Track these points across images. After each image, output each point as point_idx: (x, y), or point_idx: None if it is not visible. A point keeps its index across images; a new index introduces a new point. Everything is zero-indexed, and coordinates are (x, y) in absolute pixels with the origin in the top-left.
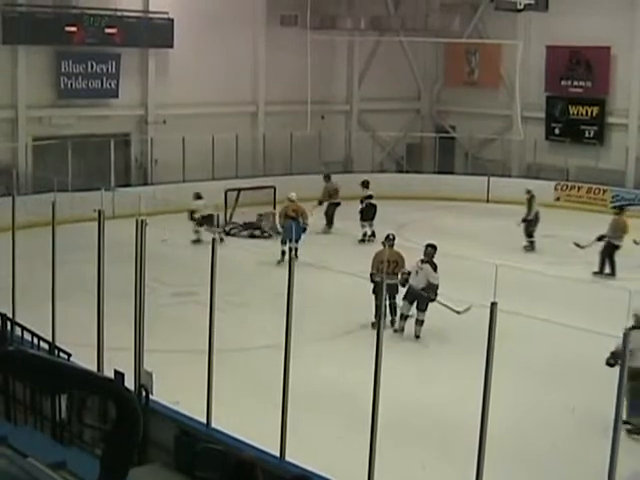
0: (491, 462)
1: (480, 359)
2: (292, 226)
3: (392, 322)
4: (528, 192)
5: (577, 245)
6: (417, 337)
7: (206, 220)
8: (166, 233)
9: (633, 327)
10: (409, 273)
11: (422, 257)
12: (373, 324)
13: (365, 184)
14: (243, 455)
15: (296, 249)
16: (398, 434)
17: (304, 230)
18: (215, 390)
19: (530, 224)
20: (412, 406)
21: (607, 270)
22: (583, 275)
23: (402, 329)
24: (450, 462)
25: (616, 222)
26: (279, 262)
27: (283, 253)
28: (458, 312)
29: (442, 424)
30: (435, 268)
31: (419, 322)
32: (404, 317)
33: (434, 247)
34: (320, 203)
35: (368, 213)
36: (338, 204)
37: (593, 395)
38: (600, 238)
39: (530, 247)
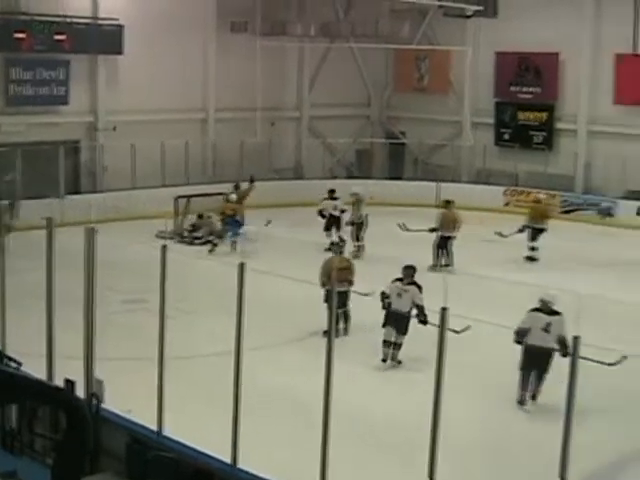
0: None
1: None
2: (231, 222)
3: (345, 330)
4: (354, 195)
5: (500, 234)
6: (399, 362)
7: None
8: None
9: (535, 309)
10: (388, 296)
11: (400, 278)
12: (325, 332)
13: (331, 193)
14: (199, 464)
15: (235, 242)
16: (350, 440)
17: (240, 226)
18: (167, 397)
19: (358, 228)
20: (363, 413)
21: (443, 262)
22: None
23: (392, 357)
24: (405, 467)
25: (445, 216)
26: (210, 251)
27: (215, 245)
28: (456, 332)
29: (395, 430)
30: (420, 289)
31: (398, 346)
32: (390, 344)
33: (413, 268)
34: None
35: (332, 222)
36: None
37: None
38: (522, 229)
39: (357, 252)
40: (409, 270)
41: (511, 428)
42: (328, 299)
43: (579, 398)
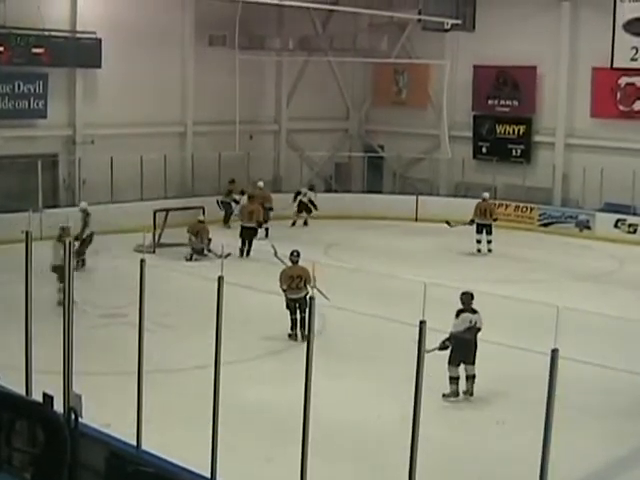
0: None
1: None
2: None
3: (302, 335)
4: (83, 210)
5: (447, 224)
6: (471, 394)
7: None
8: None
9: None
10: (449, 339)
11: (462, 309)
12: (290, 335)
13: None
14: (178, 479)
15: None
16: (327, 453)
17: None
18: (146, 412)
19: (83, 244)
20: (338, 424)
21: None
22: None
23: (456, 393)
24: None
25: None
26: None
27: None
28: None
29: (370, 441)
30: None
31: (471, 378)
32: (455, 380)
33: (472, 295)
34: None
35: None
36: None
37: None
38: (471, 222)
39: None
40: (467, 296)
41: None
42: (289, 306)
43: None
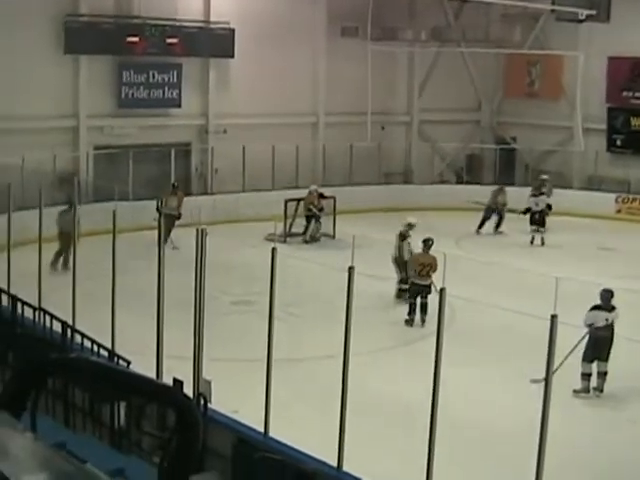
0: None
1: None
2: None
3: (422, 320)
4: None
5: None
6: (601, 391)
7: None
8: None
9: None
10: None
11: (598, 305)
12: (407, 321)
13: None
14: (304, 466)
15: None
16: (454, 447)
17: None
18: (273, 399)
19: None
20: (466, 417)
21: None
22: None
23: (588, 390)
24: (507, 475)
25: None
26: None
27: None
28: None
29: (494, 435)
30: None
31: (603, 375)
32: (588, 376)
33: (612, 292)
34: None
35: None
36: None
37: None
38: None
39: None
40: (608, 293)
41: None
42: (411, 290)
43: None
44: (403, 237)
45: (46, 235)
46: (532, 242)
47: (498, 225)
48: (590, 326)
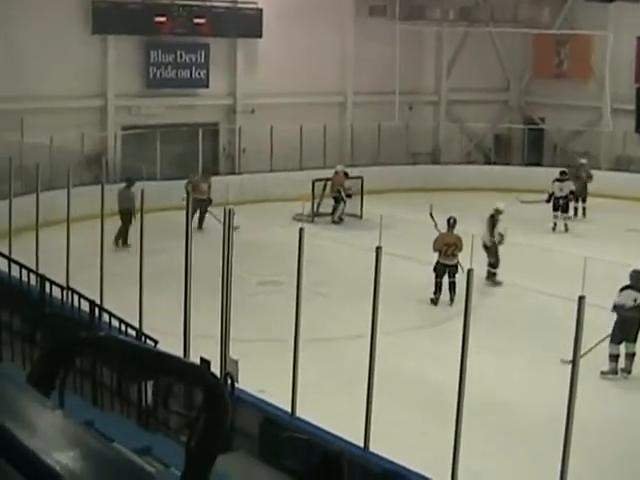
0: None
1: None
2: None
3: (450, 299)
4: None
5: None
6: (629, 372)
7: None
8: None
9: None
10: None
11: (629, 285)
12: (432, 300)
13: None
14: (330, 446)
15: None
16: (481, 429)
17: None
18: (300, 379)
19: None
20: (493, 400)
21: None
22: None
23: (615, 371)
24: (533, 457)
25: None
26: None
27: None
28: None
29: (523, 417)
30: None
31: (631, 356)
32: (615, 357)
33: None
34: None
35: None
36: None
37: None
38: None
39: None
40: (638, 274)
41: None
42: (437, 269)
43: None
44: (492, 223)
45: (74, 215)
46: (554, 229)
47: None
48: (621, 307)
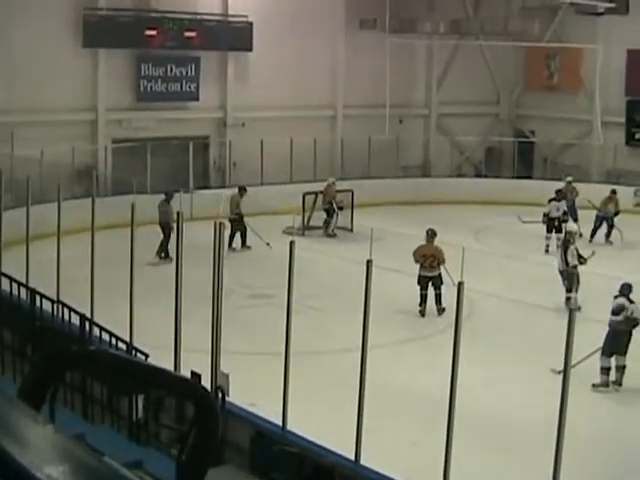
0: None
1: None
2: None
3: (438, 310)
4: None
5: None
6: (620, 385)
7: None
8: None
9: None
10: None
11: (617, 294)
12: (420, 311)
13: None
14: (322, 460)
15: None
16: (471, 440)
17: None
18: (291, 392)
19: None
20: (483, 411)
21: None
22: None
23: (607, 384)
24: (525, 468)
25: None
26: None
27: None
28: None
29: (512, 429)
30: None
31: (621, 369)
32: (607, 370)
33: (630, 286)
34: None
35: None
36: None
37: None
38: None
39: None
40: (626, 287)
41: None
42: (420, 282)
43: None
44: (565, 246)
45: (64, 228)
46: (547, 250)
47: (609, 234)
48: (620, 312)
